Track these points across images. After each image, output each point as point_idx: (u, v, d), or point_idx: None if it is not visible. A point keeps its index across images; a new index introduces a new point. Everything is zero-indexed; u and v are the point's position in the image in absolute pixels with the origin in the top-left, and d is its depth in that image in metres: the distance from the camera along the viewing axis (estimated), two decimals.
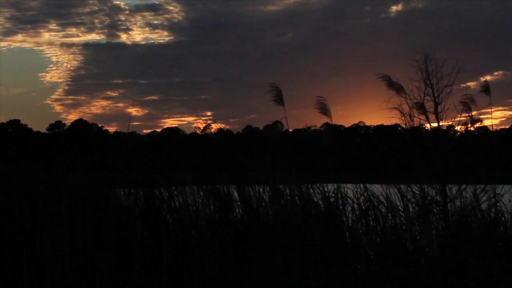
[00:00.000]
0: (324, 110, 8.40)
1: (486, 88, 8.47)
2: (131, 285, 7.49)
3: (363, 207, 7.69)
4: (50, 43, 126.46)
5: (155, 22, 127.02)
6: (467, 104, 8.33)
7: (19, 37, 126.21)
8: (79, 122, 79.62)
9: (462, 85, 8.37)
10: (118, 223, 7.81)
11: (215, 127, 8.82)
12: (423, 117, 8.29)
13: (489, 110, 8.47)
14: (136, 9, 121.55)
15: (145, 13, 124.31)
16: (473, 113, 8.46)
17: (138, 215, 8.07)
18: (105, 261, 7.58)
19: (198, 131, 8.79)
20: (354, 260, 7.40)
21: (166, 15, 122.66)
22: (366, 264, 7.40)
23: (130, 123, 10.64)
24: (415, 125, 8.32)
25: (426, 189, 7.78)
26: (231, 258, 7.47)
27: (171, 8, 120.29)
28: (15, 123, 75.90)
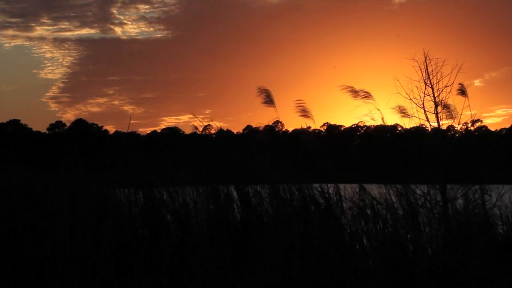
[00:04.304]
0: (305, 113, 8.30)
1: (462, 91, 8.39)
2: (131, 285, 7.49)
3: (362, 207, 7.70)
4: (42, 38, 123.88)
5: (151, 16, 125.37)
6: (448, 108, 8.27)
7: (10, 31, 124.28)
8: (79, 122, 79.63)
9: (465, 82, 8.33)
10: (118, 223, 7.81)
11: (215, 126, 8.81)
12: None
13: (468, 113, 8.39)
14: (130, 1, 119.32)
15: (139, 6, 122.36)
16: (473, 112, 8.45)
17: (138, 215, 8.07)
18: (105, 260, 7.58)
19: (198, 131, 8.79)
20: (353, 260, 7.40)
21: (163, 8, 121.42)
22: (366, 263, 7.40)
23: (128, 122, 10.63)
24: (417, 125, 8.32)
25: (425, 189, 7.79)
26: (231, 258, 7.48)
27: (167, 0, 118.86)
28: (15, 123, 75.92)
